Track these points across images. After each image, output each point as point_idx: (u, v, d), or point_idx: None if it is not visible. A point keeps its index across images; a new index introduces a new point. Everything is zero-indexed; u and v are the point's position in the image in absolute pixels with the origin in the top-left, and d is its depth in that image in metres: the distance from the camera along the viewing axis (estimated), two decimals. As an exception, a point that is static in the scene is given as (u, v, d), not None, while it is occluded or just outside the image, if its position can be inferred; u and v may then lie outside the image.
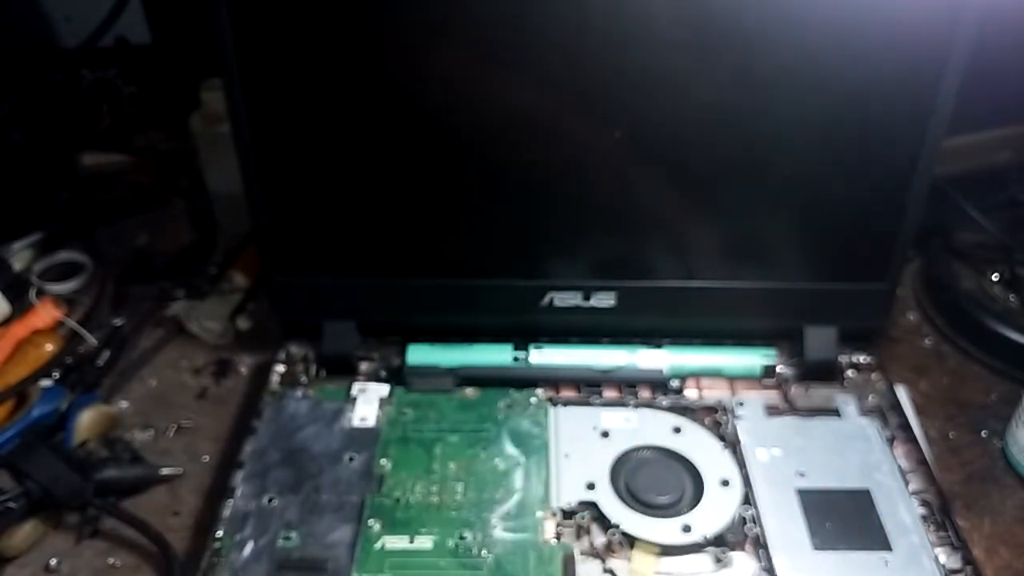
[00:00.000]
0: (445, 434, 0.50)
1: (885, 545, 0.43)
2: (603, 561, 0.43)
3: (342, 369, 0.54)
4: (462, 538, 0.44)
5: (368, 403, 0.51)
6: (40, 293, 0.62)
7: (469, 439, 0.49)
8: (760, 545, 0.43)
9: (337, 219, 0.51)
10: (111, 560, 0.46)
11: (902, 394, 0.53)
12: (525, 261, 0.52)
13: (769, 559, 0.42)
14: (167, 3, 0.75)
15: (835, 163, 0.48)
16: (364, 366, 0.54)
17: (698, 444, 0.48)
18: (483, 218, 0.51)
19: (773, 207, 0.50)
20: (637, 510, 0.44)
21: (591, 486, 0.46)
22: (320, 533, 0.44)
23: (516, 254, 0.52)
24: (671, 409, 0.50)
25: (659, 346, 0.54)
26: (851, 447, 0.48)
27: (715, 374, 0.53)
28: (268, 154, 0.49)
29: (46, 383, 0.54)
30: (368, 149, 0.49)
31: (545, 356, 0.53)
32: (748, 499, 0.45)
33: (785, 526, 0.44)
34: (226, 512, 0.45)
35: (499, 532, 0.44)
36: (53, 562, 0.46)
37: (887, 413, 0.51)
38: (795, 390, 0.52)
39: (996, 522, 0.48)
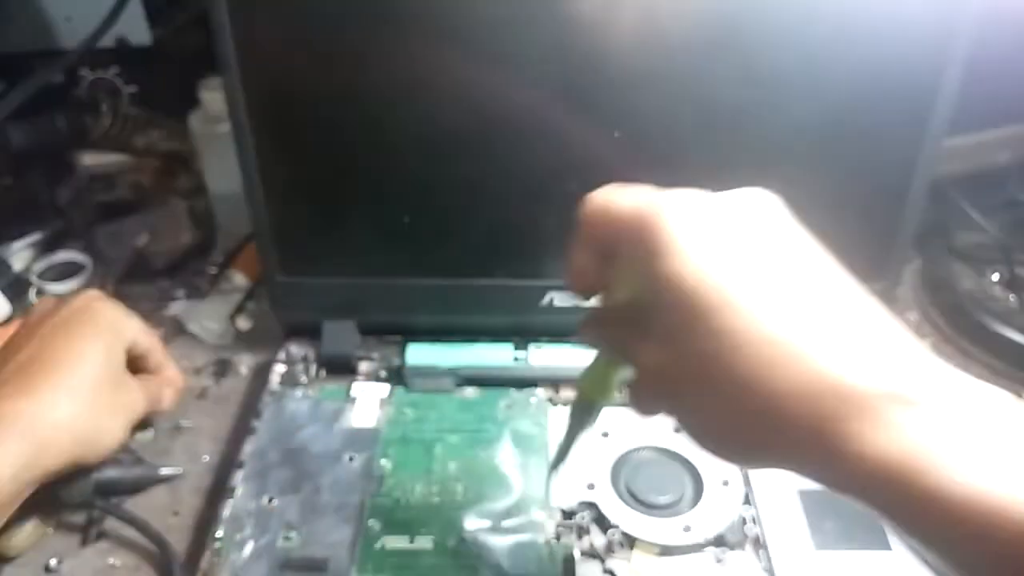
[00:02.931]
0: (445, 434, 0.50)
1: (885, 545, 0.43)
2: (603, 561, 0.43)
3: (342, 369, 0.54)
4: (462, 538, 0.44)
5: (368, 403, 0.51)
6: (40, 293, 0.62)
7: (469, 439, 0.49)
8: (760, 545, 0.43)
9: (337, 219, 0.51)
10: (111, 560, 0.46)
11: (902, 394, 0.53)
12: (525, 261, 0.52)
13: (769, 559, 0.42)
14: (167, 3, 0.75)
15: (835, 163, 0.48)
16: (364, 366, 0.54)
17: (698, 444, 0.48)
18: (483, 218, 0.51)
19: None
20: (637, 510, 0.44)
21: (591, 486, 0.46)
22: (320, 533, 0.44)
23: (516, 254, 0.52)
24: (671, 409, 0.50)
25: (659, 346, 0.54)
26: (851, 447, 0.48)
27: (715, 374, 0.53)
28: (268, 154, 0.49)
29: (46, 383, 0.54)
30: (368, 149, 0.49)
31: (545, 356, 0.53)
32: (748, 499, 0.45)
33: (785, 526, 0.44)
34: (226, 512, 0.45)
35: (499, 532, 0.44)
36: (53, 562, 0.46)
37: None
38: (795, 390, 0.52)
39: (996, 522, 0.48)
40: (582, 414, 0.38)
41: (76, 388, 0.42)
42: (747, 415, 0.25)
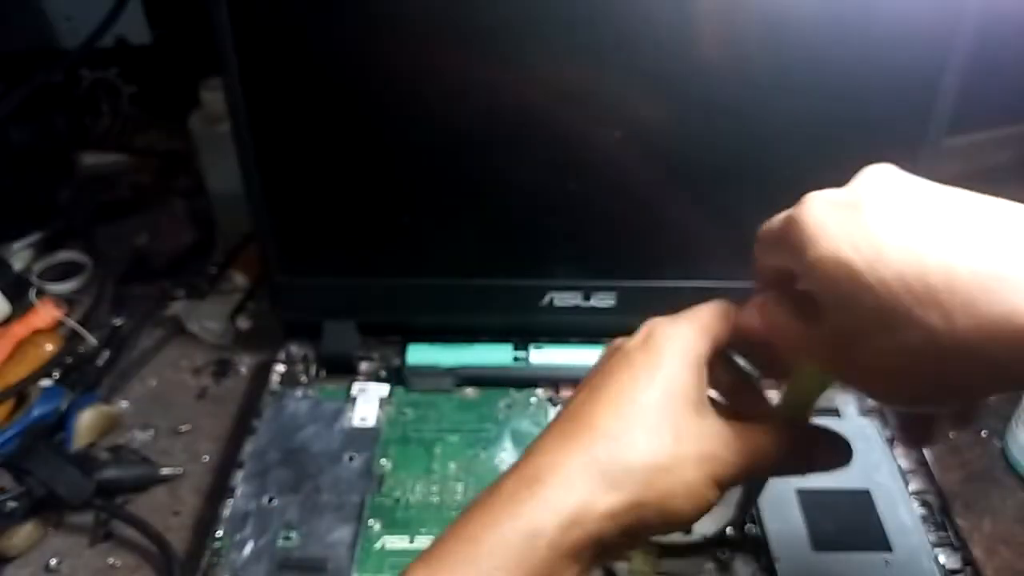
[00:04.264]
0: (445, 434, 0.50)
1: (885, 545, 0.43)
2: (603, 561, 0.43)
3: (342, 369, 0.54)
4: (462, 538, 0.44)
5: (368, 403, 0.51)
6: (40, 293, 0.62)
7: (469, 439, 0.49)
8: (760, 545, 0.43)
9: (337, 219, 0.51)
10: (111, 560, 0.46)
11: (902, 394, 0.53)
12: (525, 261, 0.52)
13: (769, 559, 0.42)
14: (167, 3, 0.76)
15: (835, 163, 0.48)
16: (364, 366, 0.54)
17: (698, 444, 0.48)
18: (483, 218, 0.51)
19: (773, 206, 0.50)
20: (637, 510, 0.44)
21: (591, 486, 0.45)
22: (320, 533, 0.44)
23: (516, 254, 0.52)
24: (671, 409, 0.50)
25: (659, 346, 0.54)
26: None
27: (715, 374, 0.53)
28: (268, 153, 0.49)
29: (46, 383, 0.54)
30: (368, 149, 0.49)
31: (545, 356, 0.53)
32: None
33: (785, 526, 0.44)
34: (226, 512, 0.45)
35: (499, 532, 0.44)
36: (53, 562, 0.46)
37: (887, 413, 0.51)
38: (795, 390, 0.52)
39: (996, 522, 0.48)
40: None
41: (633, 422, 0.30)
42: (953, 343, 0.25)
